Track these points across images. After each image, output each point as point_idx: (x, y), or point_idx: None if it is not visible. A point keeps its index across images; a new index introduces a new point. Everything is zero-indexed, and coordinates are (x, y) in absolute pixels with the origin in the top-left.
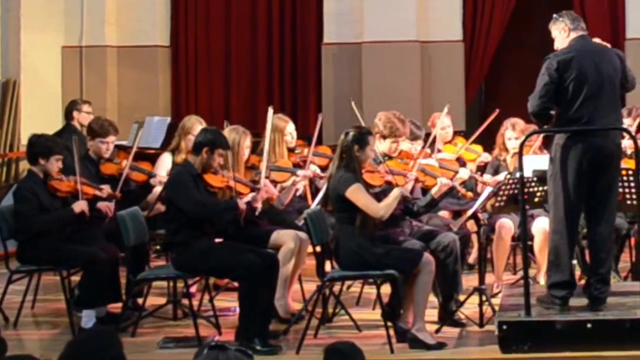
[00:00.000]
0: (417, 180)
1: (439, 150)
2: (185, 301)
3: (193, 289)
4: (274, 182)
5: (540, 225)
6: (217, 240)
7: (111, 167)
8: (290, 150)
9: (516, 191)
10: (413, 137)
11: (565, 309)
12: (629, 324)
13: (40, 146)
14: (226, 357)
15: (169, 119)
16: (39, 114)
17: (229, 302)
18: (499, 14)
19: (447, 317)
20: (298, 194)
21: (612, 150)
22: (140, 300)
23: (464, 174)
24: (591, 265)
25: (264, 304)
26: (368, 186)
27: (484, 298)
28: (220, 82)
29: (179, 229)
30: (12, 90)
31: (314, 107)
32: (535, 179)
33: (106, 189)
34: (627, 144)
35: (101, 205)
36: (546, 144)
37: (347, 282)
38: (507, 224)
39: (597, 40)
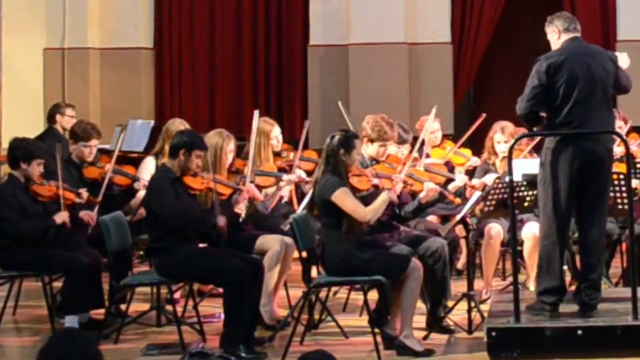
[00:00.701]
0: (405, 184)
1: (427, 155)
2: (169, 307)
3: (177, 295)
4: (259, 187)
5: (530, 230)
6: (202, 245)
7: (94, 171)
8: (276, 155)
9: (505, 195)
10: (400, 141)
11: (555, 315)
12: (620, 330)
13: (21, 150)
14: None
15: (152, 122)
16: (20, 117)
17: (213, 308)
18: (488, 15)
19: (435, 323)
20: (284, 200)
21: (603, 154)
22: (123, 307)
23: (459, 181)
24: (582, 271)
25: (249, 310)
26: (355, 190)
27: (472, 304)
28: (205, 84)
29: (163, 234)
30: None
31: (300, 110)
32: (524, 183)
33: (84, 193)
34: (618, 150)
35: (83, 215)
36: (537, 148)
37: (334, 288)
38: (496, 229)
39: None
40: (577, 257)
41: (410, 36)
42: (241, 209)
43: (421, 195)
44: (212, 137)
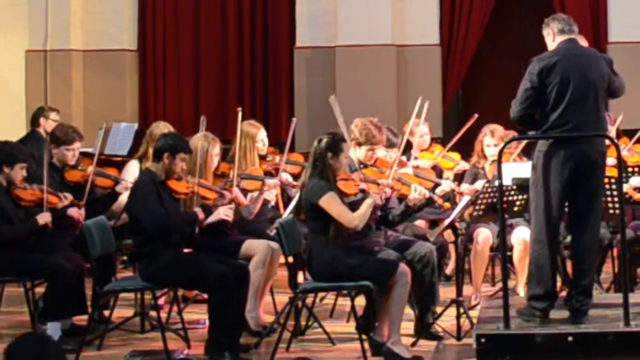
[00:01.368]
0: (392, 188)
1: (416, 158)
2: (153, 313)
3: (161, 301)
4: (245, 191)
5: (520, 235)
6: (186, 250)
7: (76, 174)
8: (262, 158)
9: (495, 200)
10: (389, 145)
11: (546, 321)
12: (611, 336)
13: (4, 154)
14: None
15: (136, 126)
16: (1, 120)
17: (198, 314)
18: (477, 16)
19: (423, 330)
20: (271, 204)
21: (596, 158)
22: (106, 313)
23: (446, 186)
24: (573, 276)
25: (235, 317)
26: (342, 195)
27: (461, 310)
28: (190, 87)
29: (147, 239)
30: None
31: (286, 113)
32: (514, 187)
33: (68, 196)
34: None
35: (72, 211)
36: (527, 151)
37: (321, 294)
38: (486, 234)
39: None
40: (568, 262)
41: (397, 38)
42: (228, 215)
43: (409, 197)
44: (198, 141)
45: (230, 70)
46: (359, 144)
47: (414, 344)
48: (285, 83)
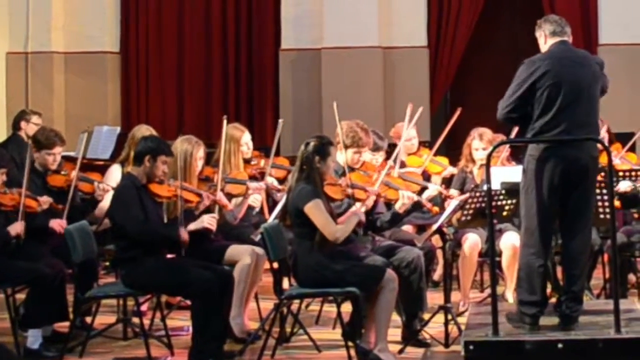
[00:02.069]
0: (378, 195)
1: (403, 163)
2: (136, 320)
3: (144, 307)
4: (229, 195)
5: (509, 241)
6: (170, 256)
7: (59, 179)
8: (246, 162)
9: (483, 204)
10: (375, 148)
11: (535, 328)
12: (601, 343)
13: None
14: None
15: (118, 129)
16: None
17: (181, 321)
18: (466, 18)
19: (411, 336)
20: (256, 210)
21: (587, 162)
22: (88, 319)
23: (432, 190)
24: (563, 282)
25: (219, 323)
26: (329, 199)
27: (449, 317)
28: (173, 90)
29: (129, 244)
30: None
31: (271, 116)
32: (503, 191)
33: (47, 200)
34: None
35: (54, 223)
36: (516, 155)
37: (306, 300)
38: (474, 239)
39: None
40: (558, 268)
41: (384, 40)
42: (212, 224)
43: (397, 205)
44: (182, 144)
45: (215, 73)
46: (346, 147)
47: (401, 351)
48: (270, 86)
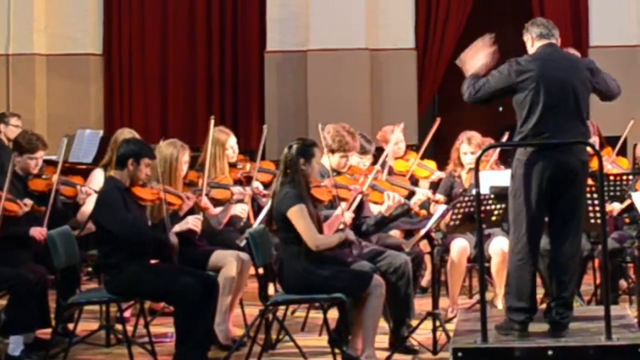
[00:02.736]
0: (365, 196)
1: (391, 168)
2: (119, 326)
3: (127, 314)
4: (214, 200)
5: (498, 246)
6: (153, 261)
7: (40, 183)
8: (232, 166)
9: (472, 209)
10: (362, 152)
11: (525, 334)
12: (592, 350)
13: None
14: None
15: (101, 132)
16: None
17: (165, 327)
18: (454, 20)
19: (398, 343)
20: (243, 221)
21: (576, 166)
22: (71, 326)
23: (421, 194)
24: (553, 288)
25: (203, 330)
26: (316, 201)
27: (437, 323)
28: (156, 92)
29: (112, 249)
30: None
31: (256, 119)
32: (492, 196)
33: (28, 203)
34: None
35: (34, 232)
36: (504, 159)
37: (292, 307)
38: (463, 245)
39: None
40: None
41: (372, 42)
42: (197, 225)
43: (383, 207)
44: (166, 148)
45: (199, 75)
46: (332, 151)
47: (388, 358)
48: (255, 89)
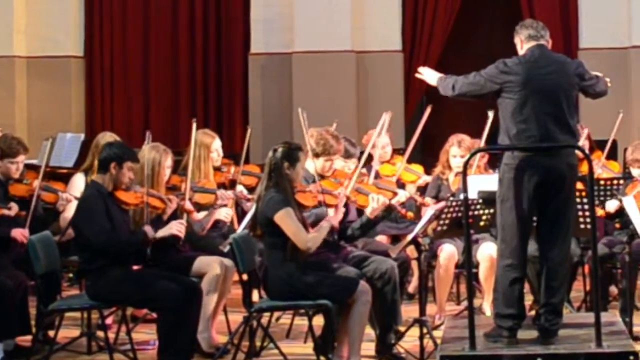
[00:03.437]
0: (349, 199)
1: (377, 173)
2: (100, 333)
3: (109, 321)
4: (198, 205)
5: (486, 251)
6: (136, 267)
7: (21, 188)
8: (216, 169)
9: (460, 214)
10: (347, 155)
11: (514, 341)
12: (582, 358)
13: None
14: None
15: (82, 136)
16: None
17: (147, 334)
18: (441, 21)
19: (385, 350)
20: (227, 225)
21: (563, 170)
22: (51, 333)
23: (402, 195)
24: (542, 294)
25: (186, 337)
26: (301, 207)
27: (425, 330)
28: (139, 95)
29: (94, 255)
30: None
31: (240, 122)
32: (480, 200)
33: (14, 207)
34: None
35: (15, 233)
36: (493, 162)
37: (277, 313)
38: (450, 250)
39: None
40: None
41: (358, 44)
42: (180, 230)
43: (368, 210)
44: (149, 152)
45: (182, 78)
46: (316, 155)
47: None
48: (239, 91)
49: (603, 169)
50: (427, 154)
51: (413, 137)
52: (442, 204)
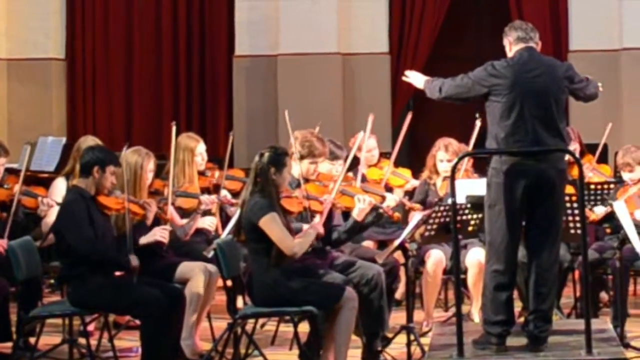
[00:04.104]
0: (334, 207)
1: (364, 176)
2: (82, 340)
3: (91, 327)
4: (181, 209)
5: (474, 257)
6: (118, 273)
7: (1, 192)
8: (200, 174)
9: (448, 219)
10: (333, 157)
11: (502, 348)
12: None
13: None
14: None
15: (64, 140)
16: None
17: (130, 341)
18: (429, 23)
19: (371, 357)
20: (212, 233)
21: (552, 175)
22: (32, 340)
23: (390, 200)
24: (531, 300)
25: (169, 344)
26: (286, 212)
27: (412, 337)
28: (121, 98)
29: (75, 261)
30: None
31: (224, 125)
32: (468, 205)
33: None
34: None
35: None
36: (481, 166)
37: (261, 320)
38: (438, 256)
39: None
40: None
41: (344, 46)
42: (164, 236)
43: (355, 212)
44: (131, 156)
45: (165, 81)
46: (301, 158)
47: None
48: (223, 94)
49: (594, 172)
50: (414, 157)
51: (397, 142)
52: (429, 210)
